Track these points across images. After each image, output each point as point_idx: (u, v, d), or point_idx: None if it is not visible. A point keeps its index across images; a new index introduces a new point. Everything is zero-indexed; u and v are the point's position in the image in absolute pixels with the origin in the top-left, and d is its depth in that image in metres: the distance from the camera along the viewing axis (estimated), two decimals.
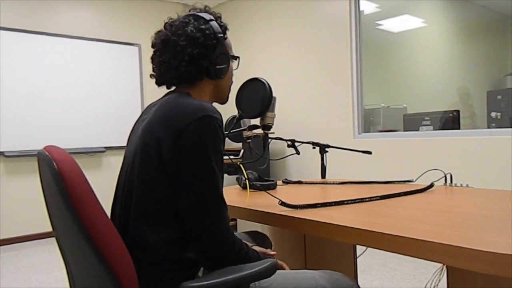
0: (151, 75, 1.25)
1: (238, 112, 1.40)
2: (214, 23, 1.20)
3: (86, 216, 0.89)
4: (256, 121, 1.44)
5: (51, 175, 0.89)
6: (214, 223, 1.03)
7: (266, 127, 1.41)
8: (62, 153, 0.94)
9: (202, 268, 1.11)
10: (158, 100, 1.22)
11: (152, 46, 1.22)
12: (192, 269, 1.08)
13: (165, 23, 1.21)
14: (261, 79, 1.37)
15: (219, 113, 1.08)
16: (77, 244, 0.93)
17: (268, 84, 1.35)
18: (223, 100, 1.31)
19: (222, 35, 1.20)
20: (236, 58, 1.30)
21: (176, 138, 1.01)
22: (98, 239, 0.89)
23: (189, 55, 1.13)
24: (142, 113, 1.24)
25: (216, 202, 1.04)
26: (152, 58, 1.22)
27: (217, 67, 1.19)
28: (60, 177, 0.88)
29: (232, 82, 1.32)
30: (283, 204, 1.29)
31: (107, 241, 0.91)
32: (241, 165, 1.49)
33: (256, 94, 1.36)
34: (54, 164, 0.89)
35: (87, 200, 0.91)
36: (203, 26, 1.17)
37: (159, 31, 1.21)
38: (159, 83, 1.23)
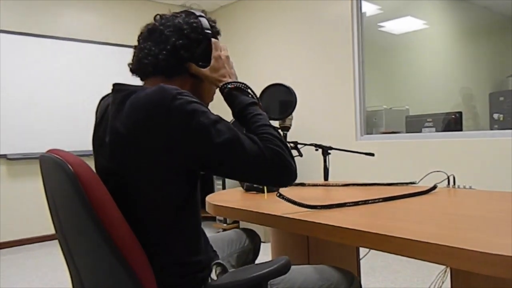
0: (128, 64, 1.17)
1: None
2: (204, 20, 1.16)
3: (107, 220, 0.88)
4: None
5: (68, 180, 0.88)
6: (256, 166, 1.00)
7: (286, 128, 1.52)
8: (75, 156, 0.93)
9: (214, 270, 1.11)
10: (109, 97, 1.10)
11: (138, 37, 1.17)
12: (204, 271, 1.08)
13: (156, 15, 1.18)
14: (285, 85, 1.44)
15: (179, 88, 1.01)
16: (96, 248, 0.92)
17: (293, 90, 1.43)
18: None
19: (209, 31, 1.15)
20: None
21: (168, 133, 0.95)
22: (120, 243, 0.89)
23: (172, 45, 1.09)
24: (102, 116, 1.12)
25: (235, 145, 0.98)
26: (134, 48, 1.17)
27: (200, 63, 1.13)
28: (78, 182, 0.87)
29: (214, 92, 1.24)
30: (300, 205, 1.28)
31: (129, 245, 0.91)
32: None
33: (277, 98, 1.42)
34: (71, 168, 0.88)
35: (107, 204, 0.90)
36: (191, 20, 1.14)
37: (148, 24, 1.17)
38: (132, 70, 1.16)
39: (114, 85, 1.08)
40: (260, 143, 1.01)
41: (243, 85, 1.15)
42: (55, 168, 0.93)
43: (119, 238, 0.89)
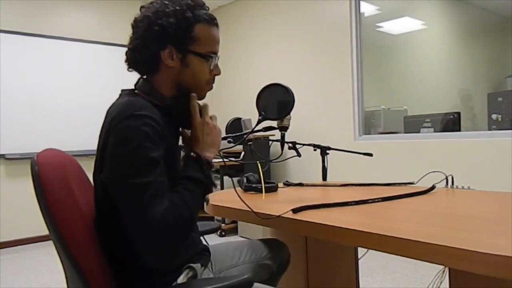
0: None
1: (261, 114, 1.42)
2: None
3: (62, 219, 0.89)
4: (266, 123, 1.49)
5: (34, 178, 0.92)
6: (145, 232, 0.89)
7: (284, 128, 1.50)
8: (52, 155, 0.95)
9: (184, 273, 1.09)
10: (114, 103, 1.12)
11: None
12: (173, 274, 1.07)
13: (141, 7, 1.13)
14: (283, 85, 1.43)
15: (149, 109, 0.97)
16: (56, 248, 0.94)
17: (291, 90, 1.42)
18: (197, 94, 1.15)
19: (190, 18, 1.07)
20: (204, 56, 1.11)
21: (108, 147, 0.95)
22: (71, 243, 0.90)
23: (141, 39, 1.07)
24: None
25: (140, 205, 0.88)
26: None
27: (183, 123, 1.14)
28: (40, 181, 0.90)
29: (210, 77, 1.15)
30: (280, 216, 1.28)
31: (81, 245, 0.91)
32: (259, 164, 1.53)
33: (275, 98, 1.42)
34: (36, 167, 0.91)
35: (66, 204, 0.91)
36: (167, 8, 1.05)
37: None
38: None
39: (122, 90, 1.15)
40: (164, 208, 0.89)
41: (202, 161, 1.07)
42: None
43: (71, 238, 0.90)
